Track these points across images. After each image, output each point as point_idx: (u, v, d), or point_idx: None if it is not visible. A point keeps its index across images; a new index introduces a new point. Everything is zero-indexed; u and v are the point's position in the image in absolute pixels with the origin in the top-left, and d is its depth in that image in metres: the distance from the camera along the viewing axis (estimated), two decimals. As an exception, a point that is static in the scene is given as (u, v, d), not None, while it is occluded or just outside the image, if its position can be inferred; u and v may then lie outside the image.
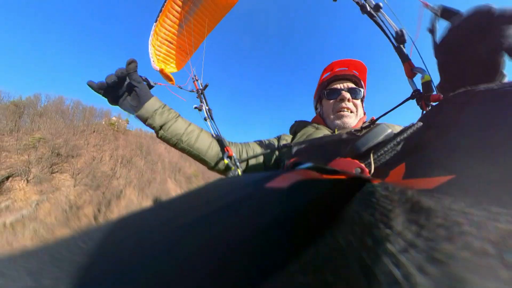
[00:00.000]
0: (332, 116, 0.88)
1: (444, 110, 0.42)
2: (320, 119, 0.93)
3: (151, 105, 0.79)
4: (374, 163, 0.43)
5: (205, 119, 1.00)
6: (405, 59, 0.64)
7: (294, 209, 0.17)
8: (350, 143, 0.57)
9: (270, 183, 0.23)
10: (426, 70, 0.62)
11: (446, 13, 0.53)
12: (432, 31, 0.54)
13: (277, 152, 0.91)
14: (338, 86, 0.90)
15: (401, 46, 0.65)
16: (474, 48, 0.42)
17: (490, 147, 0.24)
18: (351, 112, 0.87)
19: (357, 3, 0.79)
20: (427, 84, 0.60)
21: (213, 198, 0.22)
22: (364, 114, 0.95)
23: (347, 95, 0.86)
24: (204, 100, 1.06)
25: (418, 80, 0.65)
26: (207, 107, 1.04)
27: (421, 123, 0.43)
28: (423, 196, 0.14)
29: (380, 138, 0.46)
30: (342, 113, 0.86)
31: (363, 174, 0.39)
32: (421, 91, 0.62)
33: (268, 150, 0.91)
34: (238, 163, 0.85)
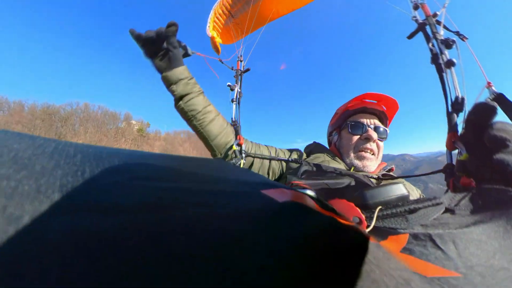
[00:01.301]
0: (352, 154, 0.81)
1: (472, 200, 0.41)
2: (336, 151, 0.87)
3: (180, 72, 0.78)
4: (376, 219, 0.40)
5: (232, 101, 0.99)
6: (452, 128, 0.58)
7: (277, 226, 0.16)
8: (360, 188, 0.56)
9: (267, 190, 0.22)
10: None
11: (502, 102, 0.51)
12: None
13: (284, 165, 0.88)
14: (365, 120, 0.83)
15: (454, 113, 0.59)
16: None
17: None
18: (373, 154, 0.80)
19: (431, 50, 0.72)
20: (463, 164, 0.54)
21: (211, 173, 0.23)
22: (383, 162, 0.87)
23: (375, 136, 0.79)
24: (239, 82, 1.06)
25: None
26: (239, 90, 1.03)
27: (442, 203, 0.41)
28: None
29: (393, 197, 0.43)
30: (364, 154, 0.79)
31: (360, 226, 0.37)
32: (454, 168, 0.56)
33: (277, 159, 0.88)
34: (243, 155, 0.84)
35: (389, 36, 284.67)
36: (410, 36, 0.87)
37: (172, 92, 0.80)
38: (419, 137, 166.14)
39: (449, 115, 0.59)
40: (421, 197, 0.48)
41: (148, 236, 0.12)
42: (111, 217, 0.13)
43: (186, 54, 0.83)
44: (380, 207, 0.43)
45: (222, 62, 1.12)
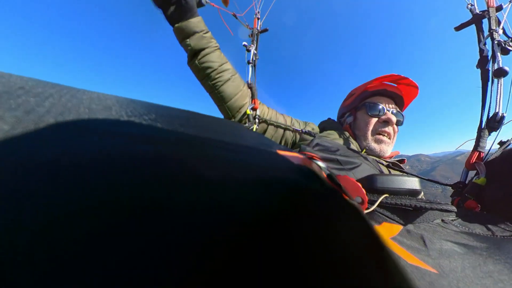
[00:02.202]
0: (370, 137, 0.76)
1: (468, 222, 0.44)
2: (351, 131, 0.83)
3: (195, 24, 0.71)
4: (379, 204, 0.42)
5: (249, 62, 0.92)
6: (479, 147, 0.53)
7: (293, 185, 0.16)
8: (370, 171, 0.57)
9: (283, 152, 0.23)
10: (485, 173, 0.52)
11: None
12: None
13: (297, 136, 0.87)
14: (383, 103, 0.78)
15: (487, 130, 0.53)
16: None
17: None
18: (389, 138, 0.76)
19: (482, 51, 0.62)
20: (476, 186, 0.51)
21: (234, 131, 0.24)
22: (396, 150, 0.85)
23: (394, 119, 0.74)
24: (256, 43, 0.99)
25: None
26: (255, 51, 0.96)
27: (454, 211, 0.44)
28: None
29: (404, 190, 0.45)
30: (382, 137, 0.74)
31: (360, 205, 0.37)
32: (465, 188, 0.53)
33: (292, 129, 0.86)
34: (257, 121, 0.82)
35: (433, 20, 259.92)
36: (459, 28, 0.75)
37: (186, 46, 0.73)
38: (433, 136, 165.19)
39: (480, 131, 0.53)
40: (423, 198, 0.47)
41: (182, 163, 0.13)
42: (148, 145, 0.14)
43: (199, 4, 0.74)
44: (386, 194, 0.44)
45: (236, 18, 1.02)
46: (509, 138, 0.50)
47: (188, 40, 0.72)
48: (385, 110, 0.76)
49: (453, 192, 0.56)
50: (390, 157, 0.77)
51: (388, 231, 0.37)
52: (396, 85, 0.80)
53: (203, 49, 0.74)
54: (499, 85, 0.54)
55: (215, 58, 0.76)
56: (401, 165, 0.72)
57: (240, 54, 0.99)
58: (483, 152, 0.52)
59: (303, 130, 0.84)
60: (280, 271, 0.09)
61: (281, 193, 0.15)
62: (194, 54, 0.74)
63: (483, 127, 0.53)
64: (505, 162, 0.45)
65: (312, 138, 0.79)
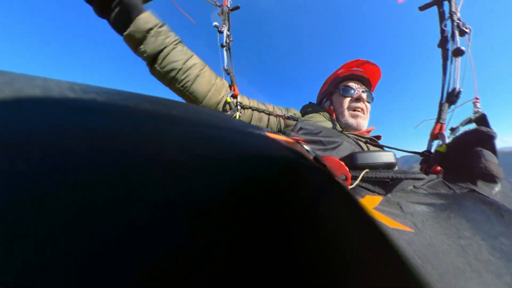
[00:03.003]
0: (347, 113, 0.85)
1: (439, 185, 0.51)
2: (333, 112, 0.91)
3: (145, 20, 0.61)
4: (360, 180, 0.46)
5: (222, 46, 0.83)
6: (440, 119, 0.61)
7: (285, 165, 0.17)
8: (352, 149, 0.62)
9: (271, 134, 0.24)
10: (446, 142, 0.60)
11: (482, 122, 0.58)
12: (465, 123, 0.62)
13: (281, 122, 0.89)
14: (353, 85, 0.87)
15: (447, 104, 0.61)
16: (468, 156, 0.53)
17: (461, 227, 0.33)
18: (364, 113, 0.86)
19: (442, 31, 0.69)
20: (439, 154, 0.59)
21: (218, 118, 0.22)
22: (372, 126, 0.95)
23: (364, 95, 0.85)
24: (228, 22, 0.88)
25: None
26: (228, 32, 0.86)
27: (424, 178, 0.50)
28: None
29: (382, 164, 0.50)
30: (357, 113, 0.84)
31: (344, 182, 0.42)
32: (432, 156, 0.62)
33: (276, 114, 0.87)
34: (239, 107, 0.80)
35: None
36: (423, 8, 0.81)
37: (141, 54, 0.64)
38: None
39: (442, 105, 0.62)
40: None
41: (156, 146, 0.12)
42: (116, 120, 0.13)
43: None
44: (367, 170, 0.48)
45: None
46: (458, 125, 0.59)
47: (142, 46, 0.63)
48: (356, 91, 0.86)
49: (422, 160, 0.64)
50: (368, 132, 0.87)
51: (371, 202, 0.41)
52: (361, 70, 0.91)
53: (162, 50, 0.65)
54: (456, 64, 0.62)
55: (178, 55, 0.68)
56: (378, 140, 0.80)
57: (213, 37, 0.85)
58: (444, 124, 0.60)
59: (286, 116, 0.87)
60: (280, 240, 0.10)
61: (278, 165, 0.16)
62: (153, 60, 0.66)
63: (443, 101, 0.61)
64: (452, 150, 0.54)
65: (295, 122, 0.83)
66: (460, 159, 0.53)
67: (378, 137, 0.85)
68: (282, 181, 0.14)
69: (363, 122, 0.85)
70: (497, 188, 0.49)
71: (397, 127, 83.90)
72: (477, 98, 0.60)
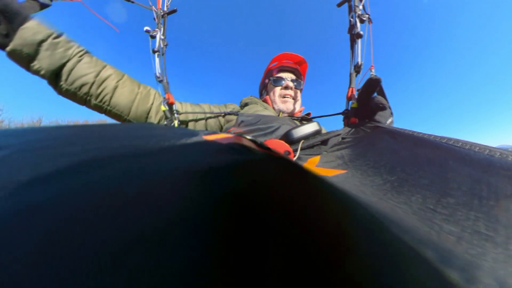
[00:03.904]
0: (278, 100, 1.01)
1: (358, 131, 0.64)
2: (269, 101, 1.05)
3: (32, 31, 0.50)
4: (301, 150, 0.55)
5: (154, 51, 0.76)
6: (351, 85, 0.85)
7: (229, 164, 0.17)
8: (287, 129, 0.74)
9: (209, 136, 0.23)
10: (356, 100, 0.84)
11: (371, 82, 0.73)
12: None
13: (221, 120, 0.94)
14: (284, 75, 1.04)
15: (354, 74, 0.85)
16: (368, 100, 0.69)
17: (372, 157, 0.39)
18: (293, 99, 1.03)
19: (350, 21, 0.93)
20: (353, 109, 0.83)
21: (145, 136, 0.20)
22: (302, 106, 1.13)
23: (291, 84, 1.02)
24: (163, 27, 0.83)
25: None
26: (163, 37, 0.81)
27: (340, 134, 0.64)
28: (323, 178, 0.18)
29: (311, 132, 0.62)
30: (285, 99, 1.01)
31: (289, 157, 0.48)
32: (348, 112, 0.86)
33: (215, 114, 0.89)
34: (176, 115, 0.77)
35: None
36: (339, 4, 1.05)
37: (37, 73, 0.54)
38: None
39: (351, 75, 0.86)
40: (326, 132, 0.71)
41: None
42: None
43: (42, 6, 0.55)
44: (302, 141, 0.59)
45: (131, 1, 0.82)
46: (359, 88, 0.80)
47: (36, 63, 0.52)
48: (285, 80, 1.02)
49: (343, 117, 0.88)
50: (300, 112, 1.06)
51: (312, 163, 0.47)
52: (291, 61, 1.07)
53: (64, 64, 0.56)
54: (359, 44, 0.86)
55: (86, 68, 0.59)
56: (309, 116, 0.99)
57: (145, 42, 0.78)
58: (354, 88, 0.84)
59: (226, 112, 0.89)
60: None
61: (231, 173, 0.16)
62: (55, 78, 0.56)
63: (352, 71, 0.85)
64: (359, 102, 0.74)
65: (236, 116, 0.87)
66: (365, 106, 0.75)
67: (309, 114, 1.03)
68: (239, 186, 0.15)
69: (292, 106, 1.01)
70: (390, 119, 0.71)
71: (331, 98, 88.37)
72: (372, 66, 0.83)
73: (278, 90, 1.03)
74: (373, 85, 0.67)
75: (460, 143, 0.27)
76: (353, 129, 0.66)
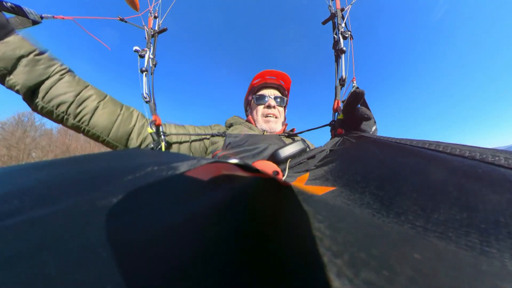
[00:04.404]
0: (260, 120, 1.00)
1: (344, 142, 0.64)
2: (252, 121, 1.04)
3: (13, 46, 0.50)
4: (289, 168, 0.55)
5: (142, 71, 0.77)
6: (337, 97, 0.87)
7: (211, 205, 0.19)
8: (274, 149, 0.72)
9: (190, 171, 0.22)
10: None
11: (356, 94, 0.74)
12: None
13: (206, 142, 0.90)
14: (266, 93, 1.03)
15: (339, 87, 0.88)
16: (353, 111, 0.69)
17: (360, 171, 0.38)
18: (276, 117, 1.02)
19: (334, 37, 0.98)
20: (339, 120, 0.84)
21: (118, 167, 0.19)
22: (286, 122, 1.11)
23: (273, 103, 1.00)
24: (152, 46, 0.84)
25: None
26: (152, 56, 0.82)
27: (325, 149, 0.62)
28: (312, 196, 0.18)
29: (297, 151, 0.61)
30: (268, 118, 0.99)
31: (278, 177, 0.52)
32: (335, 123, 0.87)
33: (202, 135, 0.87)
34: (163, 137, 0.76)
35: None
36: (324, 22, 1.11)
37: (12, 88, 0.53)
38: None
39: (336, 88, 0.88)
40: (313, 147, 0.69)
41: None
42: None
43: (33, 22, 0.56)
44: (289, 159, 0.59)
45: (124, 21, 0.83)
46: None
47: (11, 77, 0.51)
48: (267, 98, 1.00)
49: (330, 128, 0.89)
50: (284, 130, 1.04)
51: (302, 181, 0.45)
52: (275, 77, 1.05)
53: (42, 81, 0.55)
54: (342, 59, 0.90)
55: (67, 87, 0.58)
56: (293, 132, 0.97)
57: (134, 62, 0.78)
58: (339, 100, 0.86)
59: (213, 134, 0.87)
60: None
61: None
62: (31, 94, 0.55)
63: (337, 85, 0.88)
64: (345, 114, 0.76)
65: (223, 138, 0.86)
66: (350, 117, 0.76)
67: (293, 130, 1.02)
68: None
69: (275, 126, 0.99)
70: (374, 127, 0.72)
71: (317, 111, 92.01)
72: (354, 78, 0.86)
73: (261, 109, 1.01)
74: (357, 98, 0.69)
75: (442, 147, 0.27)
76: (340, 140, 0.67)
